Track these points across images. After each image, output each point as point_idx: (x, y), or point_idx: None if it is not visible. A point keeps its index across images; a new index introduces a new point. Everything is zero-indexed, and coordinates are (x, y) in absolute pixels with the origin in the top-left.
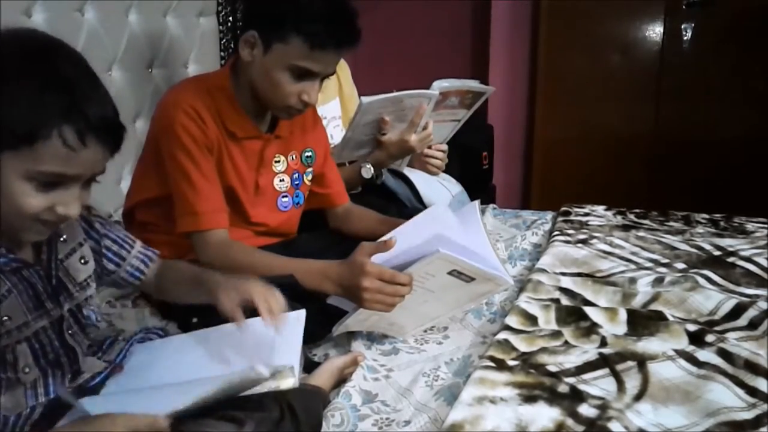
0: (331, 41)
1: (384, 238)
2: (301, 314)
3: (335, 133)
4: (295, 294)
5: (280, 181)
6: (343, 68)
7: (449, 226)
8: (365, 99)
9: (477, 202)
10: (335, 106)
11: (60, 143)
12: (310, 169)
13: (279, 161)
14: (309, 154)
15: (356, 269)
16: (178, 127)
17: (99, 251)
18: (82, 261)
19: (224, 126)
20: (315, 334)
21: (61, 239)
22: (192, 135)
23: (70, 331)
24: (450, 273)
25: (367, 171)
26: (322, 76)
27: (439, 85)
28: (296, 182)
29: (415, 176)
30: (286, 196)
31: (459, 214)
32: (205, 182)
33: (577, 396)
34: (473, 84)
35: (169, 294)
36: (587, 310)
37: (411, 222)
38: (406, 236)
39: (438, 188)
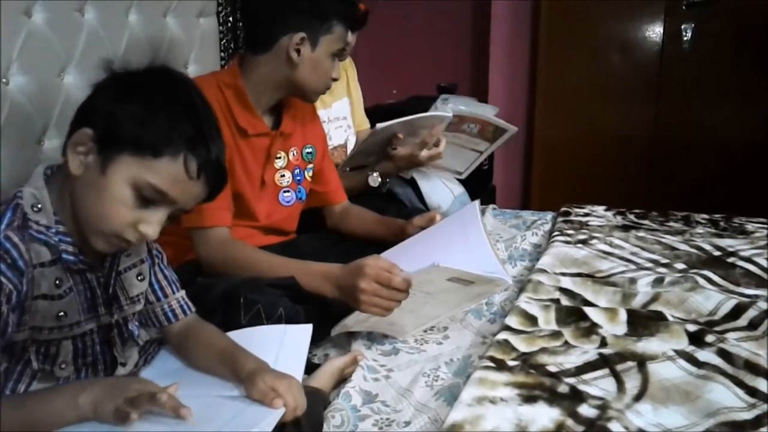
0: (356, 18)
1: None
2: (306, 329)
3: (337, 134)
4: (296, 295)
5: (281, 176)
6: (351, 68)
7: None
8: (379, 125)
9: (477, 202)
10: (344, 105)
11: (182, 166)
12: (310, 165)
13: (280, 157)
14: (309, 150)
15: (355, 271)
16: None
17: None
18: (139, 278)
19: (235, 123)
20: (315, 335)
21: (126, 253)
22: None
23: (112, 340)
24: (449, 279)
25: (374, 180)
26: None
27: (455, 108)
28: (297, 177)
29: (419, 177)
30: (288, 191)
31: (459, 213)
32: None
33: (577, 396)
34: (496, 119)
35: (191, 355)
36: (587, 310)
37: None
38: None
39: (441, 189)
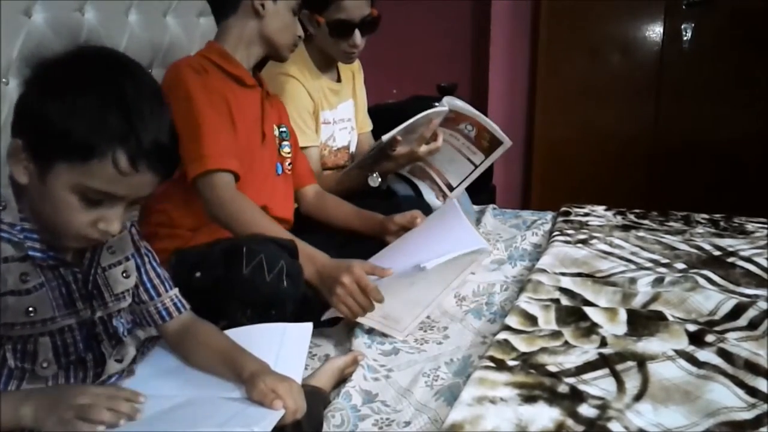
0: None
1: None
2: (307, 327)
3: (341, 136)
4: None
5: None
6: (358, 71)
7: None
8: (384, 138)
9: (455, 201)
10: (349, 107)
11: (112, 166)
12: (285, 142)
13: (273, 128)
14: (283, 129)
15: (342, 266)
16: (184, 78)
17: (139, 277)
18: (124, 275)
19: (229, 75)
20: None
21: (109, 249)
22: (200, 83)
23: (98, 337)
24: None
25: (374, 180)
26: None
27: (450, 101)
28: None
29: (417, 180)
30: (278, 161)
31: (439, 211)
32: (212, 127)
33: (577, 396)
34: (492, 124)
35: (189, 354)
36: (587, 310)
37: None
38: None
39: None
